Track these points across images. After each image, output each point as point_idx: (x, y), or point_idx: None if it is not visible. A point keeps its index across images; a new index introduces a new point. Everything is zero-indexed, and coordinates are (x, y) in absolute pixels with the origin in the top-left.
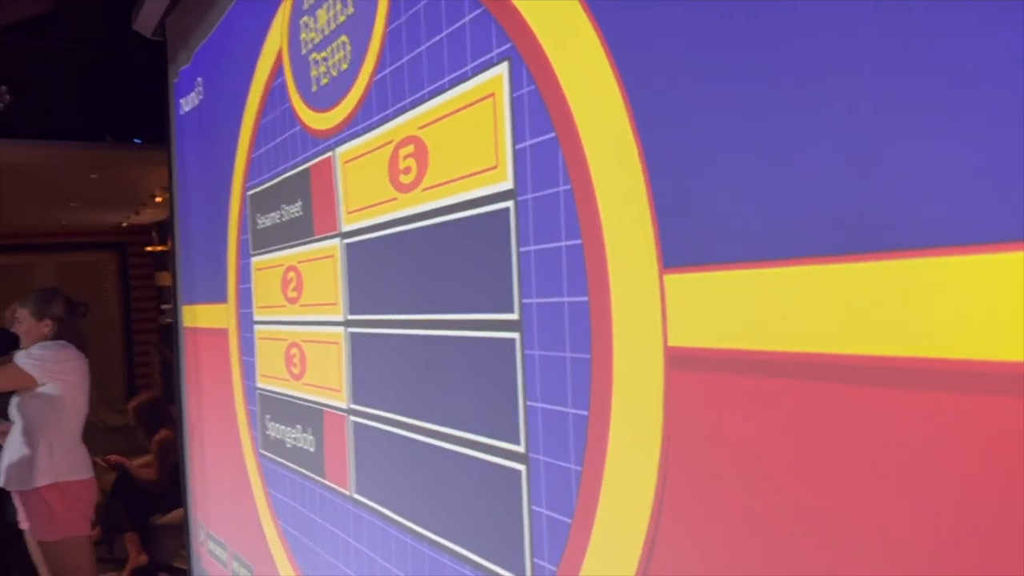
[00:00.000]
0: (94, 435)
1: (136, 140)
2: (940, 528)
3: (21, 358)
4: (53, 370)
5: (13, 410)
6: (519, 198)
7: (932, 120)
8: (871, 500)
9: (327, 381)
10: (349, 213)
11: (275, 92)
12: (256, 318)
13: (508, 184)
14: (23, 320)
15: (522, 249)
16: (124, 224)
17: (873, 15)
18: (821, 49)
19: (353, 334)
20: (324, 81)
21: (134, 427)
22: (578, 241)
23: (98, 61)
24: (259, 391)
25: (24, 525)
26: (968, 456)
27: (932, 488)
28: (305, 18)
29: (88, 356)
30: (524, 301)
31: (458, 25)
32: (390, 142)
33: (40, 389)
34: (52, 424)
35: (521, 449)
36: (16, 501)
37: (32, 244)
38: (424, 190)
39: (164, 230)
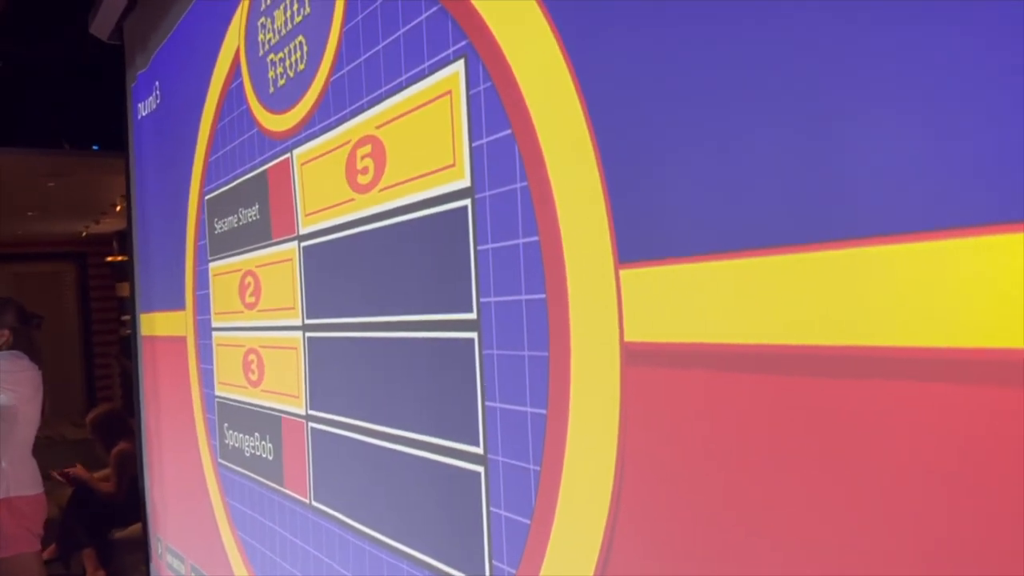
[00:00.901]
0: (53, 449)
1: (94, 147)
2: (902, 523)
3: None
4: (6, 380)
5: None
6: (476, 196)
7: (889, 105)
8: (832, 494)
9: (285, 387)
10: (307, 215)
11: (232, 94)
12: (214, 324)
13: (465, 182)
14: None
15: (480, 247)
16: (84, 234)
17: (820, 3)
18: (776, 40)
19: (311, 339)
20: (281, 82)
21: (93, 440)
22: (535, 238)
23: (54, 66)
24: (217, 399)
25: None
26: (931, 446)
27: (895, 481)
28: (262, 19)
29: (41, 367)
30: (482, 300)
31: (414, 23)
32: (348, 142)
33: None
34: (4, 437)
35: (480, 451)
36: None
37: None
38: (382, 190)
39: (125, 240)
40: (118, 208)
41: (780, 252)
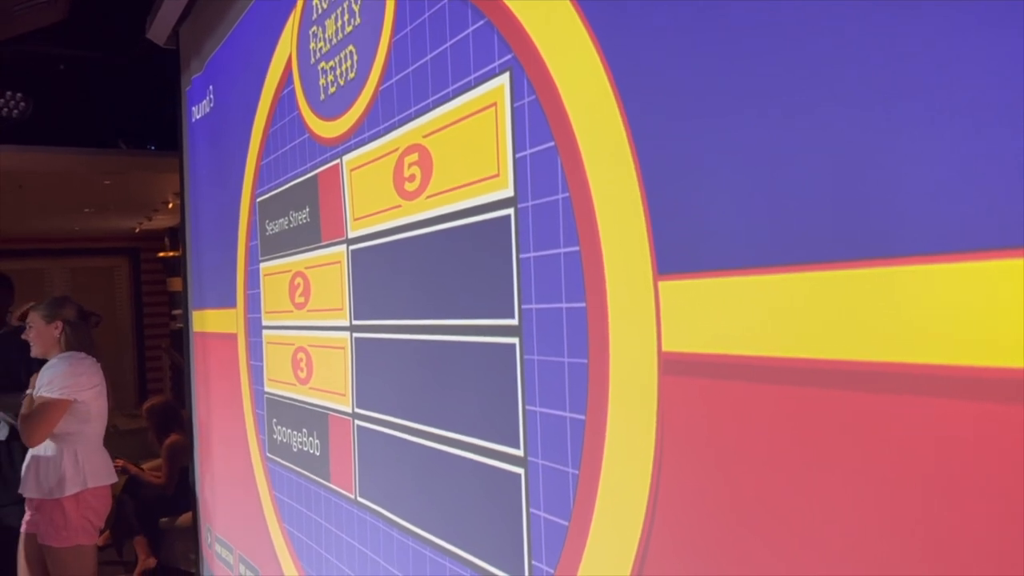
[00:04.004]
0: (107, 439)
1: (150, 146)
2: (929, 530)
3: (44, 391)
4: (78, 385)
5: None
6: (519, 205)
7: (924, 126)
8: (862, 503)
9: (333, 385)
10: (355, 220)
11: (284, 100)
12: (264, 323)
13: (509, 192)
14: (34, 323)
15: (522, 256)
16: (137, 230)
17: (865, 19)
18: (814, 59)
19: (358, 339)
20: (332, 90)
21: (146, 430)
22: (576, 248)
23: (112, 69)
24: (266, 395)
25: (28, 528)
26: (957, 459)
27: (922, 491)
28: (314, 28)
29: (98, 360)
30: (524, 307)
31: (461, 36)
32: (395, 150)
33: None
34: (77, 433)
35: (520, 453)
36: (27, 504)
37: (46, 249)
38: (428, 197)
39: (176, 236)
40: (170, 205)
41: (815, 268)
